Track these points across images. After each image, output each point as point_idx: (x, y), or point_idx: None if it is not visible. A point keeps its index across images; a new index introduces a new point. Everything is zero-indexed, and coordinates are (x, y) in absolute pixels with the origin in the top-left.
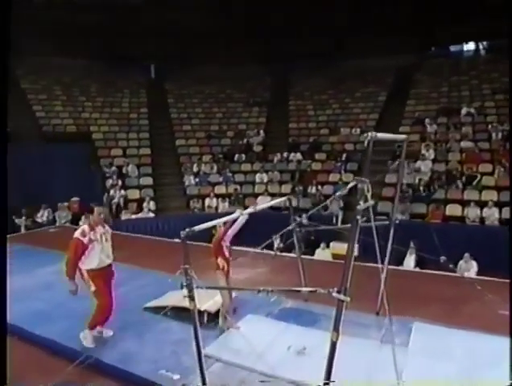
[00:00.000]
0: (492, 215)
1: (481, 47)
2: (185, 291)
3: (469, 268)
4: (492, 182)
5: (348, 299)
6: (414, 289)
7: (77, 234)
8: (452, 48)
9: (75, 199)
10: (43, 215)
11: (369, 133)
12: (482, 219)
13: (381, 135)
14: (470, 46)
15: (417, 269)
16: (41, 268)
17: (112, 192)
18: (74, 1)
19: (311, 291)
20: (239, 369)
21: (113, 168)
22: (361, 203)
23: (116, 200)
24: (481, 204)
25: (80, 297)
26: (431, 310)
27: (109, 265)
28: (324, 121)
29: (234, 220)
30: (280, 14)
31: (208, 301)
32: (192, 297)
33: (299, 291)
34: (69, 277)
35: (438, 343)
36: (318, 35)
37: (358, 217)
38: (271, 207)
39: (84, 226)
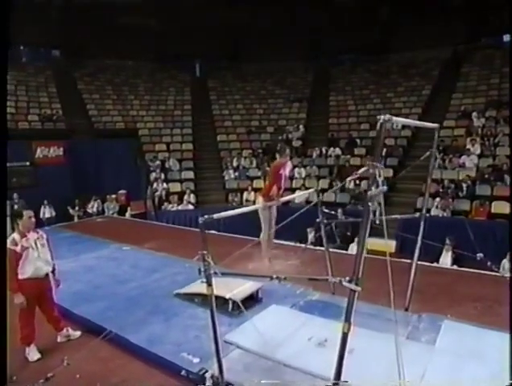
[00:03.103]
0: None
1: None
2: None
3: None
4: None
5: (360, 289)
6: (449, 286)
7: (8, 244)
8: (505, 38)
9: (122, 191)
10: (93, 206)
11: (382, 116)
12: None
13: (396, 119)
14: None
15: (454, 267)
16: (85, 253)
17: (155, 185)
18: (126, 3)
19: (323, 279)
20: (258, 357)
21: (157, 162)
22: (373, 188)
23: (159, 193)
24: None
25: (118, 281)
26: (464, 308)
27: (47, 275)
28: (365, 116)
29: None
30: (321, 9)
31: (235, 289)
32: (209, 283)
33: (313, 279)
34: (12, 292)
35: (467, 343)
36: (360, 30)
37: (370, 203)
38: (306, 201)
39: (13, 234)
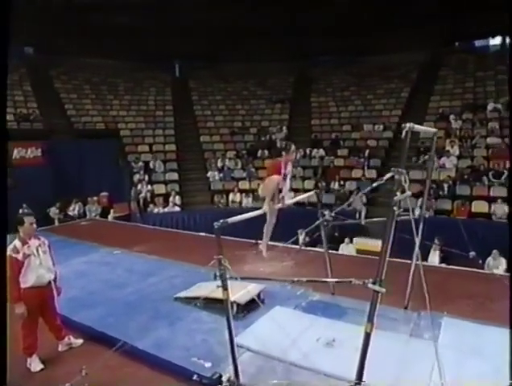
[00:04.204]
0: None
1: (507, 41)
2: (218, 281)
3: (498, 265)
4: None
5: (384, 290)
6: (441, 284)
7: (9, 251)
8: (477, 43)
9: (104, 193)
10: (74, 209)
11: (408, 124)
12: (510, 216)
13: (417, 127)
14: (496, 40)
15: (443, 265)
16: (75, 258)
17: (139, 187)
18: (103, 2)
19: (344, 282)
20: (269, 359)
21: (140, 163)
22: (398, 193)
23: (143, 194)
24: (508, 201)
25: (113, 286)
26: (458, 305)
27: (49, 283)
28: (347, 118)
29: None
30: (303, 11)
31: (238, 292)
32: (225, 287)
33: (336, 282)
34: (13, 301)
35: (468, 339)
36: (340, 32)
37: (395, 208)
38: (296, 203)
39: (15, 241)
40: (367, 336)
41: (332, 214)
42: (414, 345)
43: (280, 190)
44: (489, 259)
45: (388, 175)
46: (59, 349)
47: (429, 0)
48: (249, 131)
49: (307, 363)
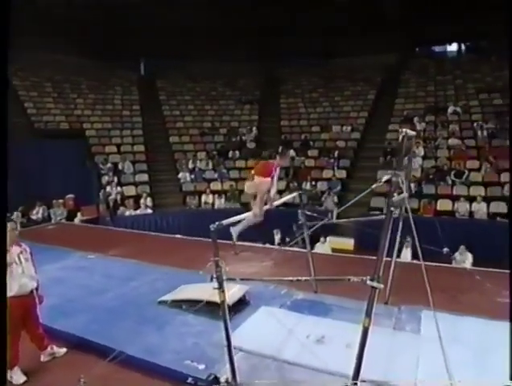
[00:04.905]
0: (480, 209)
1: (463, 47)
2: (214, 283)
3: (464, 259)
4: (479, 178)
5: (382, 286)
6: (415, 279)
7: None
8: (436, 48)
9: (70, 195)
10: (38, 213)
11: (405, 130)
12: (471, 214)
13: (410, 132)
14: (453, 47)
15: (414, 261)
16: (48, 264)
17: (108, 189)
18: None
19: (342, 279)
20: (262, 358)
21: (109, 165)
22: (395, 194)
23: (113, 197)
24: (470, 199)
25: (93, 292)
26: (433, 299)
27: (32, 292)
28: (315, 119)
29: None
30: (272, 12)
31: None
32: (222, 289)
33: (334, 280)
34: None
35: (448, 330)
36: (308, 34)
37: (392, 208)
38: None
39: None
40: (365, 331)
41: (315, 214)
42: (398, 338)
43: (268, 191)
44: (457, 254)
45: (385, 178)
46: (42, 359)
47: (393, 6)
48: (219, 132)
49: (300, 361)
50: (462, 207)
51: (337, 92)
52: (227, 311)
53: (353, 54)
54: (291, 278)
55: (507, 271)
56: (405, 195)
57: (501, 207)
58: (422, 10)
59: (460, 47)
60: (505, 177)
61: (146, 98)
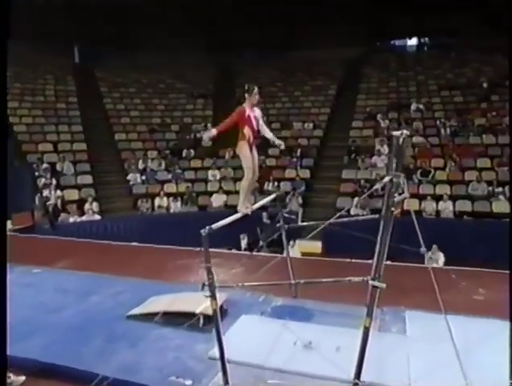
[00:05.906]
0: (447, 208)
1: (423, 42)
2: (206, 291)
3: (437, 258)
4: (444, 177)
5: (384, 285)
6: (395, 280)
7: None
8: (397, 42)
9: None
10: None
11: (404, 131)
12: (438, 212)
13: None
14: (413, 41)
15: (388, 262)
16: None
17: (46, 193)
18: None
19: (341, 281)
20: (250, 368)
21: (45, 165)
22: (396, 195)
23: (52, 201)
24: (436, 198)
25: (48, 311)
26: (413, 299)
27: None
28: (275, 115)
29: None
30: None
31: (202, 303)
32: (214, 297)
33: (333, 282)
34: None
35: (433, 328)
36: (266, 24)
37: (393, 209)
38: (226, 206)
39: None
40: (366, 331)
41: (293, 216)
42: (385, 339)
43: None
44: (429, 253)
45: (386, 178)
46: None
47: None
48: (171, 128)
49: (291, 367)
50: (429, 207)
51: (297, 87)
52: (220, 321)
53: (314, 47)
54: (290, 282)
55: (478, 269)
56: (406, 195)
57: (466, 206)
58: (383, 2)
59: (420, 41)
60: (469, 175)
61: (84, 89)
